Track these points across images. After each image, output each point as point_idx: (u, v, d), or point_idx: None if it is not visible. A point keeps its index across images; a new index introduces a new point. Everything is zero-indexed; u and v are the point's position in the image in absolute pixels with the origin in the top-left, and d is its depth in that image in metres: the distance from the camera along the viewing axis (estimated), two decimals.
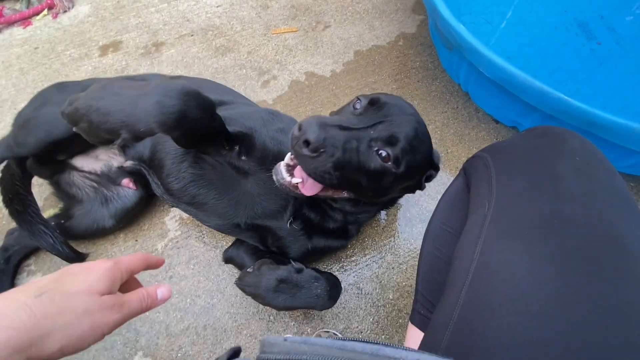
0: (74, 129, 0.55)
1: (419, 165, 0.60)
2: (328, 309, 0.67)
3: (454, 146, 1.04)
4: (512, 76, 0.82)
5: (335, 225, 0.72)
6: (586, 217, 0.36)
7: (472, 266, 0.38)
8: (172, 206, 0.80)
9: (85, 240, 0.85)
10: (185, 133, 0.57)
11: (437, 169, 0.66)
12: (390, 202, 0.76)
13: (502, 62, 0.83)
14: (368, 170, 0.54)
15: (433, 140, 0.87)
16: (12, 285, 0.80)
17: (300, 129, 0.50)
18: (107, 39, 1.23)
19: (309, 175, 0.53)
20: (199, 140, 0.62)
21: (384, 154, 0.54)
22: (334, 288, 0.67)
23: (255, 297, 0.66)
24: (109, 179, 0.81)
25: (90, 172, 0.81)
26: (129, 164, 0.79)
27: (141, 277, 0.81)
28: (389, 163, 0.55)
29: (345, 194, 0.61)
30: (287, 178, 0.57)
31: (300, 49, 1.23)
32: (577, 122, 0.78)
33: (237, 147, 0.67)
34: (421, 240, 0.85)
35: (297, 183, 0.56)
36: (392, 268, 0.84)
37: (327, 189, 0.59)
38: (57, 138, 0.70)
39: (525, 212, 0.39)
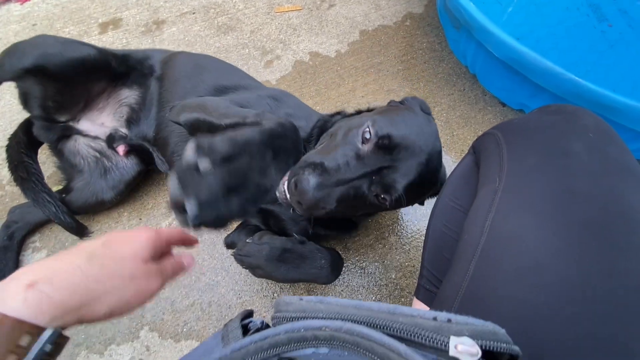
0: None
1: (420, 196, 0.60)
2: (330, 283, 0.67)
3: (459, 129, 1.02)
4: (522, 56, 0.81)
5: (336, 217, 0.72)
6: (598, 192, 0.36)
7: (481, 239, 0.38)
8: None
9: (86, 214, 0.85)
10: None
11: (437, 192, 0.62)
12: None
13: (512, 42, 0.82)
14: (365, 204, 0.55)
15: (439, 123, 0.86)
16: (17, 261, 0.80)
17: (296, 187, 0.50)
18: (107, 16, 1.20)
19: (305, 214, 0.54)
20: None
21: (381, 196, 0.54)
22: (336, 261, 0.67)
23: (254, 268, 0.63)
24: (111, 140, 0.80)
25: (95, 138, 0.81)
26: (134, 139, 0.79)
27: None
28: (386, 203, 0.55)
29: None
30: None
31: (304, 28, 1.20)
32: (587, 103, 0.77)
33: None
34: (425, 222, 0.86)
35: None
36: (396, 249, 0.85)
37: None
38: (25, 66, 0.68)
39: (537, 186, 0.38)
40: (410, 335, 0.23)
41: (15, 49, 0.71)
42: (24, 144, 0.80)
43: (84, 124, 0.81)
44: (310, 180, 0.49)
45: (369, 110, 0.74)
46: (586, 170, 0.38)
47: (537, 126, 0.46)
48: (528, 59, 0.80)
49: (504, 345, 0.22)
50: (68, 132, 0.82)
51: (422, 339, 0.22)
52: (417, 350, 0.21)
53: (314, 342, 0.23)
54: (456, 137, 1.01)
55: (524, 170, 0.41)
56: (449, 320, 0.22)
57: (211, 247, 0.83)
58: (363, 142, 0.54)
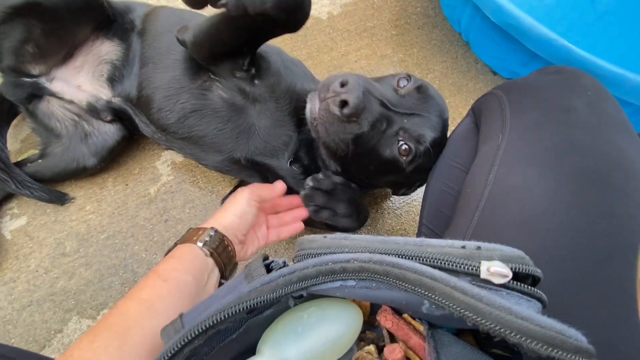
0: None
1: (421, 173, 0.59)
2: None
3: (451, 96, 1.03)
4: (519, 21, 0.81)
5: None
6: (597, 144, 0.38)
7: (485, 191, 0.39)
8: (165, 147, 0.76)
9: (67, 181, 0.81)
10: (281, 23, 0.53)
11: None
12: (371, 187, 0.75)
13: (510, 6, 0.81)
14: (380, 155, 0.53)
15: None
16: None
17: (343, 85, 0.46)
18: None
19: (323, 139, 0.51)
20: (244, 43, 0.60)
21: (404, 147, 0.52)
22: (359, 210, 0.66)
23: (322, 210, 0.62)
24: (93, 112, 0.75)
25: (71, 102, 0.75)
26: (117, 100, 0.73)
27: (135, 221, 0.79)
28: (404, 158, 0.53)
29: (333, 163, 0.60)
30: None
31: None
32: None
33: (253, 70, 0.64)
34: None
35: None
36: (388, 213, 0.86)
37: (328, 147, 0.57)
38: (15, 3, 0.62)
39: (539, 140, 0.39)
40: (441, 262, 0.23)
41: None
42: None
43: (57, 84, 0.75)
44: (360, 82, 0.47)
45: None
46: (586, 124, 0.39)
47: (539, 85, 0.47)
48: (525, 24, 0.80)
49: (531, 268, 0.22)
50: (39, 92, 0.75)
51: (452, 265, 0.23)
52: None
53: (342, 275, 0.23)
54: (449, 105, 1.01)
55: (527, 125, 0.41)
56: (478, 248, 0.23)
57: (203, 212, 0.81)
58: (399, 86, 0.55)
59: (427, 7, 1.16)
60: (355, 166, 0.57)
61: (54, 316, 0.71)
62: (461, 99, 1.03)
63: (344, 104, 0.46)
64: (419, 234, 0.54)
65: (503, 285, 0.21)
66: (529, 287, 0.22)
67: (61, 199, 0.79)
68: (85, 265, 0.75)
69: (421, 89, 0.55)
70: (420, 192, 0.89)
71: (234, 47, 0.60)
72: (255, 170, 0.71)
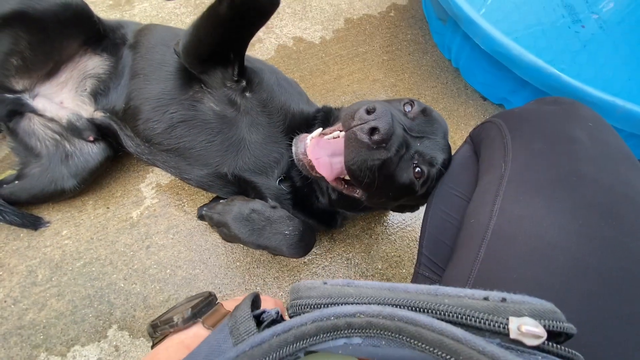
0: None
1: (428, 194, 0.58)
2: (296, 256, 0.63)
3: None
4: (508, 49, 0.82)
5: (319, 205, 0.69)
6: (603, 176, 0.36)
7: (491, 222, 0.37)
8: (148, 162, 0.73)
9: (44, 204, 0.77)
10: (248, 5, 0.54)
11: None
12: (370, 210, 0.74)
13: (499, 34, 0.83)
14: (398, 180, 0.53)
15: None
16: None
17: (370, 112, 0.46)
18: None
19: (348, 165, 0.50)
20: (227, 42, 0.59)
21: (418, 169, 0.53)
22: (306, 234, 0.63)
23: (221, 226, 0.61)
24: (74, 131, 0.72)
25: (52, 120, 0.72)
26: (98, 115, 0.71)
27: (115, 247, 0.75)
28: (419, 180, 0.54)
29: (357, 193, 0.59)
30: (310, 155, 0.54)
31: (287, 12, 1.15)
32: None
33: (244, 82, 0.63)
34: (411, 213, 0.85)
35: (314, 160, 0.53)
36: (382, 239, 0.84)
37: (341, 180, 0.57)
38: (4, 12, 0.60)
39: (544, 171, 0.38)
40: (461, 317, 0.20)
41: None
42: None
43: (40, 102, 0.72)
44: (388, 110, 0.47)
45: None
46: (591, 155, 0.38)
47: (539, 115, 0.46)
48: (514, 52, 0.81)
49: (565, 325, 0.20)
50: (21, 109, 0.72)
51: (475, 321, 0.20)
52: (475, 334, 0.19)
53: (346, 332, 0.20)
54: None
55: (530, 155, 0.40)
56: (504, 300, 0.20)
57: (187, 238, 0.77)
58: (406, 112, 0.56)
59: (417, 34, 1.18)
60: (377, 191, 0.56)
61: (21, 352, 0.65)
62: (452, 124, 1.03)
63: (373, 130, 0.46)
64: (417, 264, 0.52)
65: (536, 348, 0.19)
66: (567, 349, 0.19)
67: (35, 224, 0.75)
68: (58, 295, 0.69)
69: (426, 113, 0.57)
70: (414, 216, 0.87)
71: (216, 45, 0.60)
72: (238, 187, 0.68)
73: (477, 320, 0.20)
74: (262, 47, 1.07)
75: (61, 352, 0.65)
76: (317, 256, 0.80)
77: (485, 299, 0.20)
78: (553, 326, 0.19)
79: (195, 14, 1.08)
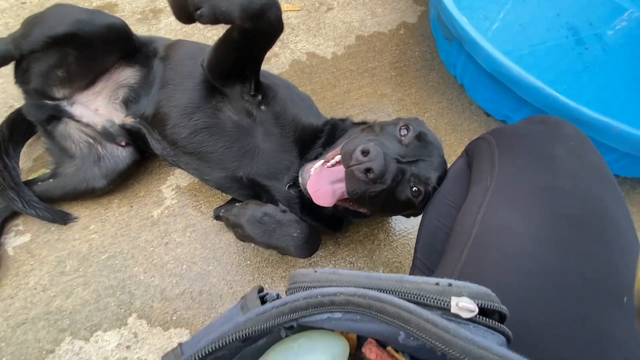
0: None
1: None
2: (303, 256, 0.70)
3: (447, 135, 1.08)
4: (508, 70, 0.87)
5: (325, 211, 0.74)
6: (577, 191, 0.41)
7: (473, 230, 0.41)
8: (172, 163, 0.80)
9: (75, 201, 0.84)
10: (253, 32, 0.60)
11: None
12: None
13: (500, 56, 0.88)
14: (398, 199, 0.60)
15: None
16: None
17: (365, 154, 0.53)
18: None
19: (350, 195, 0.57)
20: (242, 61, 0.67)
21: (415, 189, 0.60)
22: (312, 237, 0.69)
23: (235, 227, 0.69)
24: (108, 136, 0.80)
25: (87, 125, 0.80)
26: (129, 120, 0.78)
27: (136, 243, 0.81)
28: (417, 198, 0.60)
29: (362, 209, 0.66)
30: (309, 186, 0.61)
31: (302, 28, 1.23)
32: (564, 117, 0.83)
33: (260, 96, 0.71)
34: (412, 221, 0.90)
35: (312, 193, 0.60)
36: (384, 245, 0.88)
37: (347, 200, 0.63)
38: (58, 33, 0.68)
39: (524, 184, 0.42)
40: (416, 297, 0.25)
41: (40, 19, 0.70)
42: (0, 138, 0.80)
43: (77, 109, 0.80)
44: (381, 151, 0.53)
45: (374, 123, 0.78)
46: (568, 171, 0.42)
47: (526, 133, 0.51)
48: (514, 73, 0.86)
49: (496, 304, 0.25)
50: (59, 114, 0.80)
51: (426, 300, 0.25)
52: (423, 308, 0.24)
53: (329, 307, 0.25)
54: (443, 143, 1.06)
55: (513, 170, 0.45)
56: (450, 285, 0.26)
57: (203, 236, 0.83)
58: (401, 136, 0.62)
59: (425, 51, 1.24)
60: (379, 209, 0.65)
61: (47, 335, 0.71)
62: (456, 138, 1.08)
63: (368, 170, 0.53)
64: (413, 267, 0.57)
65: (471, 320, 0.24)
66: (494, 322, 0.24)
67: (64, 219, 0.82)
68: (84, 284, 0.76)
69: (420, 137, 0.63)
70: (415, 226, 0.92)
71: (233, 65, 0.68)
72: (252, 190, 0.75)
73: (428, 299, 0.25)
74: (278, 61, 1.14)
75: (85, 336, 0.72)
76: (322, 258, 0.85)
77: (437, 284, 0.26)
78: (486, 304, 0.25)
79: (216, 29, 1.17)
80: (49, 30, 0.68)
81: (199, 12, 0.57)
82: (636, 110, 1.04)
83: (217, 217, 0.84)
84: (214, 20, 0.57)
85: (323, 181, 0.61)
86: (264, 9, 0.57)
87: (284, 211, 0.68)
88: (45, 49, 0.70)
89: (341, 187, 0.59)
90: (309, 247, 0.69)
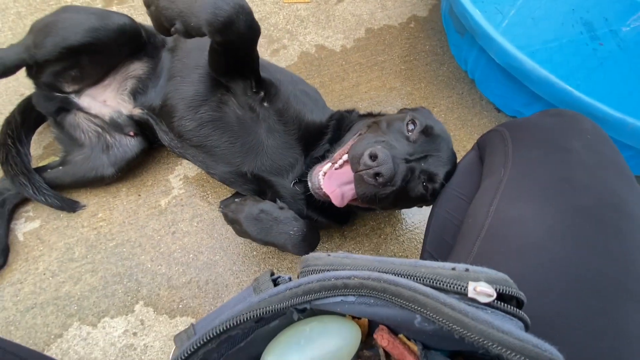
0: (147, 12, 0.60)
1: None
2: (300, 254, 0.69)
3: (456, 130, 1.07)
4: (522, 64, 0.85)
5: (333, 205, 0.74)
6: (593, 184, 0.40)
7: (486, 222, 0.41)
8: (179, 154, 0.80)
9: (83, 188, 0.84)
10: (227, 43, 0.60)
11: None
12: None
13: (514, 50, 0.86)
14: (410, 195, 0.60)
15: None
16: (7, 229, 0.79)
17: (373, 158, 0.52)
18: None
19: (360, 198, 0.57)
20: (234, 64, 0.66)
21: (425, 185, 0.60)
22: (309, 235, 0.69)
23: (233, 223, 0.69)
24: (116, 126, 0.80)
25: (96, 116, 0.80)
26: (137, 111, 0.78)
27: (144, 231, 0.81)
28: (427, 193, 0.60)
29: (373, 206, 0.65)
30: (324, 189, 0.60)
31: (311, 20, 1.22)
32: None
33: (262, 93, 0.70)
34: (418, 216, 0.89)
35: (330, 194, 0.60)
36: (390, 239, 0.88)
37: (357, 200, 0.62)
38: (73, 44, 0.68)
39: (539, 176, 0.42)
40: (432, 282, 0.25)
41: (51, 27, 0.69)
42: (13, 125, 0.80)
43: (85, 100, 0.80)
44: (389, 155, 0.53)
45: (380, 114, 0.77)
46: (584, 164, 0.41)
47: (540, 126, 0.50)
48: (527, 67, 0.84)
49: (514, 290, 0.24)
50: (68, 106, 0.81)
51: (443, 284, 0.25)
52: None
53: (343, 291, 0.25)
54: (453, 139, 1.05)
55: (528, 162, 0.44)
56: (467, 270, 0.25)
57: (210, 226, 0.83)
58: (408, 132, 0.61)
59: (435, 45, 1.22)
60: (391, 206, 0.67)
61: (56, 320, 0.72)
62: (465, 133, 1.06)
63: (377, 175, 0.53)
64: (421, 259, 0.56)
65: (488, 305, 0.23)
66: (512, 307, 0.24)
67: (72, 206, 0.82)
68: (92, 271, 0.77)
69: (427, 131, 0.62)
70: (422, 221, 0.91)
71: (227, 67, 0.68)
72: (257, 185, 0.75)
73: (444, 284, 0.25)
74: (286, 54, 1.13)
75: (92, 322, 0.72)
76: (328, 251, 0.85)
77: (453, 269, 0.25)
78: (504, 290, 0.24)
79: None
80: (62, 42, 0.68)
81: (173, 28, 0.58)
82: None
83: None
84: (187, 34, 0.58)
85: (334, 184, 0.60)
86: (230, 20, 0.56)
87: (281, 208, 0.68)
88: (59, 58, 0.70)
89: (350, 189, 0.59)
90: (306, 245, 0.68)
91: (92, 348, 0.70)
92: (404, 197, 0.61)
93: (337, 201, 0.59)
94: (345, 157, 0.63)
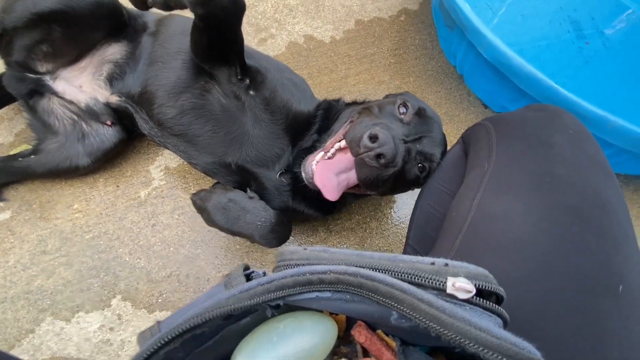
0: None
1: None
2: (270, 247, 0.67)
3: (444, 125, 1.05)
4: (509, 60, 0.85)
5: (320, 195, 0.72)
6: (576, 179, 0.40)
7: (469, 215, 0.40)
8: (159, 144, 0.77)
9: (57, 178, 0.81)
10: (209, 18, 0.57)
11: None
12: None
13: (502, 45, 0.86)
14: (406, 178, 0.60)
15: None
16: None
17: (374, 140, 0.51)
18: None
19: (362, 182, 0.56)
20: (218, 46, 0.63)
21: (421, 166, 0.60)
22: (278, 227, 0.66)
23: (201, 211, 0.67)
24: (92, 114, 0.76)
25: (71, 102, 0.76)
26: (114, 99, 0.75)
27: (122, 223, 0.79)
28: (422, 174, 0.61)
29: (369, 192, 0.64)
30: (317, 181, 0.58)
31: (300, 10, 1.19)
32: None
33: (248, 80, 0.67)
34: (404, 210, 0.89)
35: (321, 187, 0.57)
36: (376, 234, 0.87)
37: (355, 187, 0.61)
38: (43, 10, 0.64)
39: (522, 170, 0.41)
40: (410, 277, 0.24)
41: None
42: None
43: (60, 84, 0.76)
44: (389, 135, 0.52)
45: (365, 102, 0.76)
46: (566, 159, 0.41)
47: (524, 120, 0.49)
48: (514, 63, 0.84)
49: (494, 286, 0.24)
50: (41, 89, 0.76)
51: (421, 280, 0.24)
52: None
53: (318, 286, 0.24)
54: None
55: (511, 156, 0.44)
56: (446, 265, 0.24)
57: (192, 219, 0.81)
58: (401, 114, 0.61)
59: (425, 39, 1.21)
60: (389, 191, 0.67)
61: (27, 315, 0.69)
62: (452, 128, 1.06)
63: (379, 156, 0.52)
64: (404, 253, 0.55)
65: (467, 301, 0.22)
66: (491, 304, 0.23)
67: None
68: (66, 264, 0.74)
69: (420, 113, 0.62)
70: (408, 215, 0.91)
71: (211, 49, 0.65)
72: (241, 176, 0.72)
73: (423, 279, 0.24)
74: (274, 43, 1.11)
75: (66, 317, 0.70)
76: (313, 245, 0.84)
77: (432, 263, 0.24)
78: (483, 286, 0.23)
79: None
80: (33, 6, 0.64)
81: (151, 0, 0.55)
82: (635, 107, 1.03)
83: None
84: (166, 7, 0.56)
85: (327, 175, 0.59)
86: None
87: (251, 198, 0.66)
88: (29, 25, 0.65)
89: (346, 178, 0.58)
90: (275, 237, 0.66)
91: (66, 343, 0.67)
92: (401, 180, 0.61)
93: (332, 193, 0.57)
94: (337, 146, 0.61)
